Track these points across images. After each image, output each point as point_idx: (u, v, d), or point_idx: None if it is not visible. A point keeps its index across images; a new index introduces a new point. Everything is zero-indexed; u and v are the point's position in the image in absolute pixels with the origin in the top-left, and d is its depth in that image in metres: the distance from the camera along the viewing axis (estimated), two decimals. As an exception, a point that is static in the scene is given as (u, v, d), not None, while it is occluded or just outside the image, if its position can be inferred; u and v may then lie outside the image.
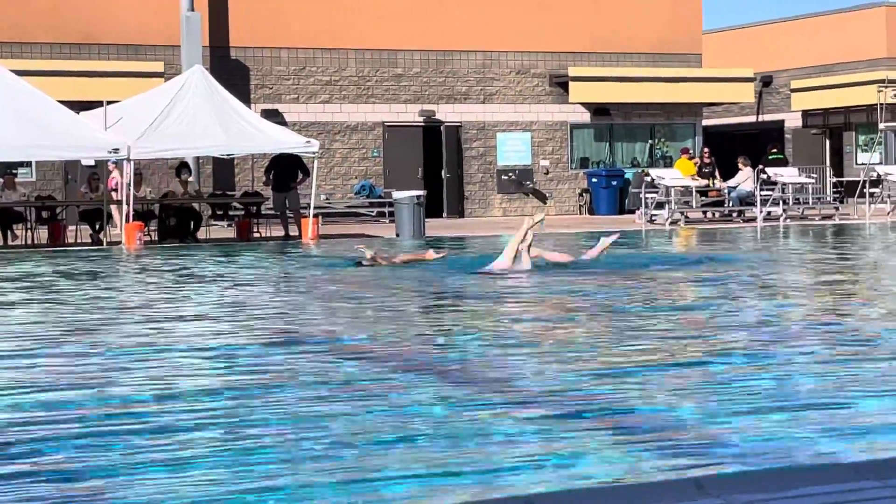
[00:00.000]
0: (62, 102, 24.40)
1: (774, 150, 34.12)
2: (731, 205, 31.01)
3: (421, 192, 26.31)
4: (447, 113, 34.65)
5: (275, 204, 26.56)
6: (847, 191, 36.81)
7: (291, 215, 26.13)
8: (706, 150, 32.98)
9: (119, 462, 5.49)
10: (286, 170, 26.13)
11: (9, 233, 24.91)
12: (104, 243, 23.74)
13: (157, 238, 25.07)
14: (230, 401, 7.05)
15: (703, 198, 31.62)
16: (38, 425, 6.35)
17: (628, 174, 35.27)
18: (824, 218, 30.80)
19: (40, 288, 15.35)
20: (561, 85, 35.40)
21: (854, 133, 41.16)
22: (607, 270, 15.55)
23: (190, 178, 26.90)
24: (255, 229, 26.34)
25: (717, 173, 32.07)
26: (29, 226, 24.93)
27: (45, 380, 7.96)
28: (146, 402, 6.96)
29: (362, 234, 26.50)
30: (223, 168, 32.08)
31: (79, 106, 25.32)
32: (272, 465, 5.42)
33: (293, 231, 25.81)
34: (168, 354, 9.04)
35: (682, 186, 30.30)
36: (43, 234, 24.94)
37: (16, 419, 6.53)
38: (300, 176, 26.19)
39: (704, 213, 31.73)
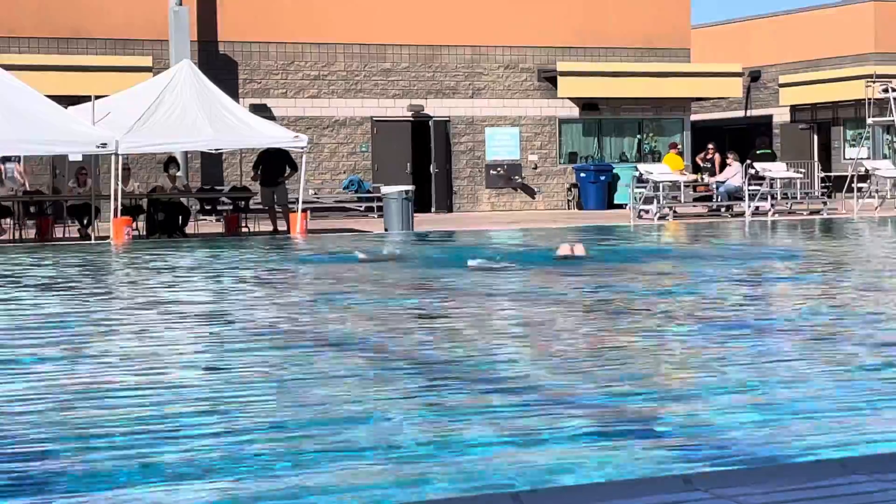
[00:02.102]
0: (50, 97, 24.34)
1: (763, 146, 34.17)
2: (719, 199, 31.05)
3: (409, 188, 26.30)
4: (436, 108, 34.62)
5: (262, 199, 26.53)
6: (835, 186, 36.88)
7: (279, 210, 26.10)
8: (711, 145, 33.00)
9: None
10: (274, 165, 26.08)
11: (-4, 228, 24.87)
12: (92, 238, 23.69)
13: (145, 233, 25.03)
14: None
15: (692, 192, 31.65)
16: None
17: (616, 169, 35.28)
18: (812, 213, 30.86)
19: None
20: (549, 80, 35.39)
21: (842, 128, 41.23)
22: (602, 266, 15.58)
23: (178, 173, 26.85)
24: (244, 224, 26.30)
25: (716, 169, 32.08)
26: (16, 221, 24.86)
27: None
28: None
29: (351, 229, 26.49)
30: (211, 163, 32.03)
31: (67, 100, 25.26)
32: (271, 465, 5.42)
33: (281, 226, 25.78)
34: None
35: (671, 181, 30.32)
36: (31, 229, 24.88)
37: None
38: (288, 171, 26.15)
39: (697, 207, 31.77)
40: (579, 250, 16.92)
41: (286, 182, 26.27)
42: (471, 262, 15.45)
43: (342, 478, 5.11)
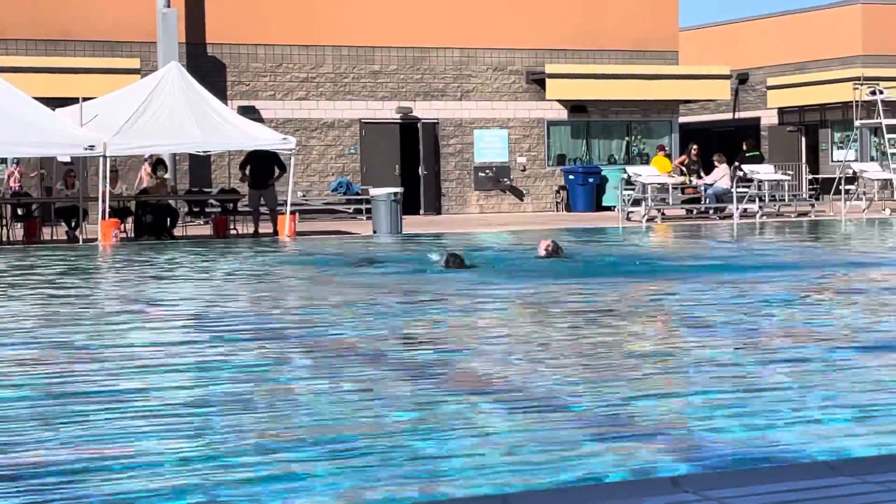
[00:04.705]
0: (38, 99, 24.30)
1: (750, 148, 34.20)
2: (707, 202, 31.08)
3: (398, 189, 26.29)
4: (424, 110, 34.62)
5: (250, 201, 26.47)
6: (823, 188, 36.94)
7: (266, 212, 26.06)
8: (695, 147, 33.01)
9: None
10: (262, 167, 26.02)
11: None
12: (80, 240, 23.65)
13: (133, 235, 25.00)
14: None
15: (681, 194, 31.68)
16: None
17: (605, 171, 35.31)
18: (800, 215, 30.92)
19: None
20: (538, 82, 35.42)
21: (830, 130, 41.30)
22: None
23: (166, 175, 26.82)
24: (232, 226, 26.28)
25: (701, 172, 32.08)
26: (4, 223, 24.80)
27: None
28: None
29: (339, 231, 26.48)
30: (199, 165, 31.99)
31: (55, 102, 25.21)
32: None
33: (268, 228, 25.74)
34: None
35: (659, 183, 30.36)
36: (19, 231, 24.84)
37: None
38: (276, 172, 26.08)
39: (688, 211, 31.77)
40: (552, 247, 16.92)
41: (275, 184, 26.24)
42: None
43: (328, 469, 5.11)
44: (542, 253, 16.86)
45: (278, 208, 25.91)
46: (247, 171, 26.34)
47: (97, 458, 5.48)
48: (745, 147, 33.99)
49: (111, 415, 6.49)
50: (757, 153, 34.29)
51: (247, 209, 27.00)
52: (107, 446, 5.74)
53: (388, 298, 12.72)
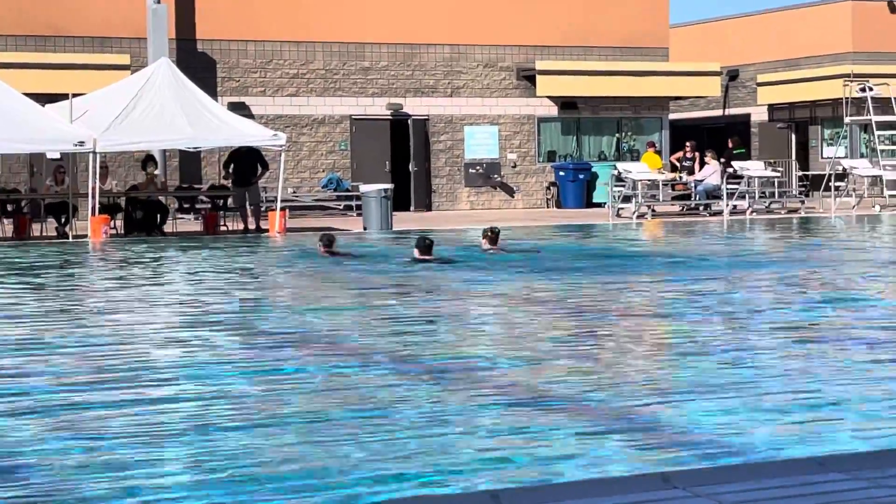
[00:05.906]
0: (28, 95, 24.25)
1: (736, 145, 34.23)
2: (697, 198, 31.10)
3: (388, 186, 26.27)
4: (414, 106, 34.58)
5: (235, 199, 26.43)
6: (813, 184, 36.98)
7: (251, 209, 26.04)
8: (689, 144, 32.99)
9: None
10: (246, 164, 25.98)
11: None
12: (70, 237, 23.61)
13: (123, 231, 24.95)
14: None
15: (671, 191, 31.69)
16: None
17: (595, 168, 35.31)
18: (790, 212, 30.95)
19: None
20: (528, 78, 35.40)
21: (820, 127, 41.34)
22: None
23: (156, 171, 26.77)
24: (222, 223, 26.25)
25: (696, 168, 32.09)
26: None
27: None
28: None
29: (329, 228, 26.44)
30: (190, 161, 31.93)
31: (45, 98, 25.16)
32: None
33: (252, 224, 25.72)
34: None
35: (649, 180, 30.36)
36: (8, 227, 24.77)
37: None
38: (259, 170, 26.05)
39: (683, 208, 31.77)
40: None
41: (259, 182, 26.23)
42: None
43: (308, 467, 5.11)
44: (486, 247, 17.10)
45: (269, 204, 25.86)
46: (230, 170, 26.33)
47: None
48: (731, 144, 34.05)
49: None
50: (742, 150, 34.32)
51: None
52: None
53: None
